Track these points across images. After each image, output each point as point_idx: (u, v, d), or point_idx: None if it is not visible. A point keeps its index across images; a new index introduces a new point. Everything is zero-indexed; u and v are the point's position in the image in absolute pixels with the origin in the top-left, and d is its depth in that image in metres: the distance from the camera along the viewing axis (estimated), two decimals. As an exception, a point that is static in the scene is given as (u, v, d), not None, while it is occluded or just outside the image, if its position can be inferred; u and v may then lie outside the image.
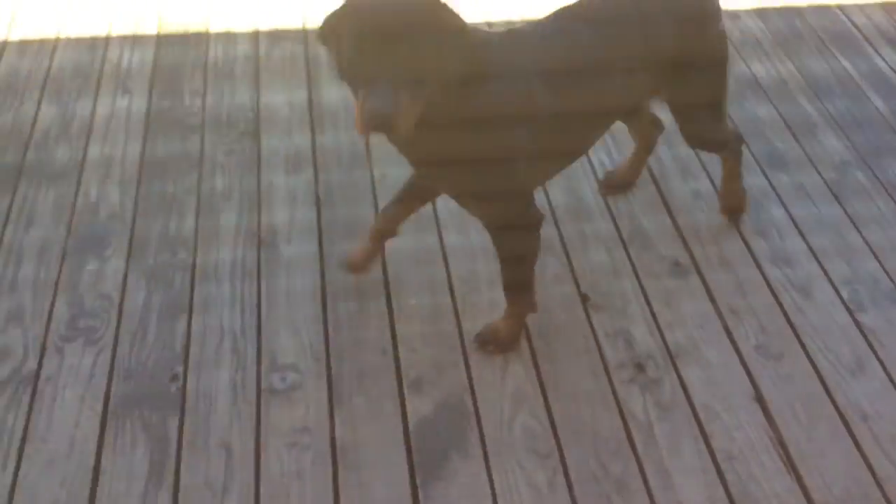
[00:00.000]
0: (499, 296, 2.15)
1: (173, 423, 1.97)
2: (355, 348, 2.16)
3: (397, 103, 1.62)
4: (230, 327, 2.19)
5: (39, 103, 2.85)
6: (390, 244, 2.30)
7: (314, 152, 2.73)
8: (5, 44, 3.10)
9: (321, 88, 2.96)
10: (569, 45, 1.98)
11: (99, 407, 1.99)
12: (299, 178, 2.63)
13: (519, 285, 2.15)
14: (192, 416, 1.99)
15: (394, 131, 1.66)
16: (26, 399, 2.00)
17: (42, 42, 3.11)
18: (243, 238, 2.42)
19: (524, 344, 2.18)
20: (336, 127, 2.80)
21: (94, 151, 2.68)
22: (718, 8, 2.23)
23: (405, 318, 2.23)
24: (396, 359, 2.14)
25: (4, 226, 2.42)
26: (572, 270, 2.39)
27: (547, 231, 2.46)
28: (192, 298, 2.26)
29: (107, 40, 3.15)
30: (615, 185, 2.64)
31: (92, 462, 1.89)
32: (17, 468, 1.87)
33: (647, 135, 2.57)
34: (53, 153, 2.67)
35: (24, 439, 1.93)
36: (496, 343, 2.15)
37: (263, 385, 2.06)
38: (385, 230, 2.26)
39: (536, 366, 2.13)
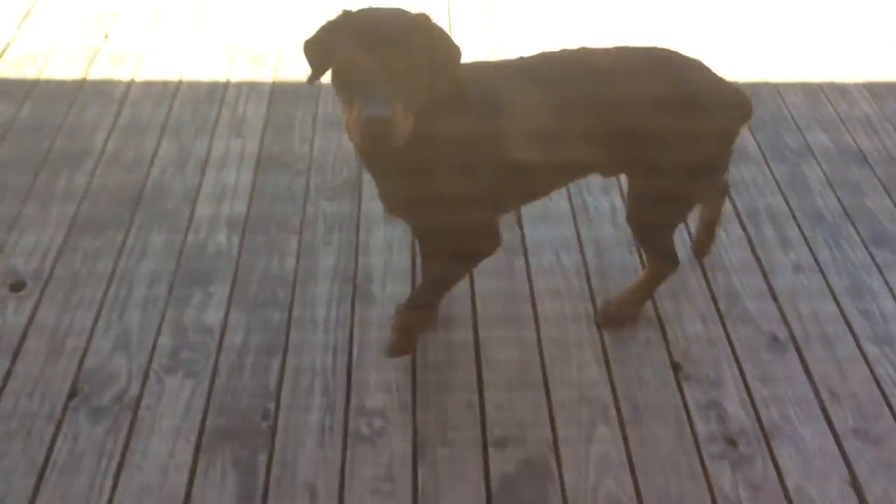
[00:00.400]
0: (587, 355, 2.14)
1: (262, 460, 2.02)
2: (442, 399, 2.18)
3: (394, 110, 1.66)
4: (322, 368, 2.24)
5: (159, 141, 3.00)
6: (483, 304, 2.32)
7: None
8: (131, 84, 3.29)
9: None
10: (539, 87, 1.93)
11: (193, 438, 2.06)
12: (396, 226, 2.69)
13: (433, 302, 2.25)
14: (281, 454, 2.04)
15: (390, 138, 1.68)
16: (126, 425, 2.09)
17: (165, 84, 3.29)
18: (339, 281, 2.49)
19: (612, 408, 2.16)
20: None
21: (206, 190, 2.81)
22: (720, 106, 2.02)
23: (493, 373, 2.24)
24: (482, 413, 2.14)
25: (118, 256, 2.55)
26: (665, 338, 2.36)
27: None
28: (287, 338, 2.32)
29: (225, 86, 3.31)
30: (698, 249, 2.61)
31: (183, 493, 1.95)
32: (113, 493, 1.95)
33: (713, 203, 2.53)
34: (169, 190, 2.80)
35: (120, 465, 2.01)
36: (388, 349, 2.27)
37: (350, 429, 2.10)
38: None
39: (624, 432, 2.11)
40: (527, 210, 2.74)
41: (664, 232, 2.26)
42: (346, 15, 1.78)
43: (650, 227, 2.23)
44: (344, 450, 2.05)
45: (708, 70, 2.06)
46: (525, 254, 2.61)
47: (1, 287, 2.43)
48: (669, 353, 2.32)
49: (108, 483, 1.97)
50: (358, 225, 2.69)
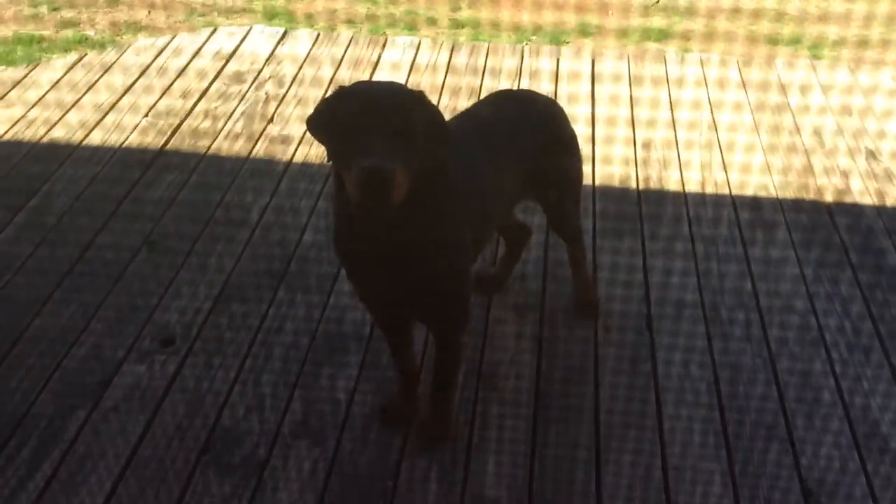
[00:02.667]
0: (716, 480, 2.06)
1: (376, 537, 2.05)
2: (558, 493, 2.16)
3: (393, 164, 1.70)
4: (440, 454, 2.26)
5: (307, 224, 3.17)
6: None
7: (543, 299, 2.82)
8: (289, 164, 3.51)
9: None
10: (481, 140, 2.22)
11: (313, 506, 2.12)
12: (525, 321, 2.72)
13: (454, 387, 2.31)
14: (395, 533, 2.06)
15: (388, 193, 1.71)
16: (251, 486, 2.17)
17: (320, 165, 3.49)
18: (466, 369, 2.52)
19: (735, 528, 2.08)
20: (565, 282, 2.87)
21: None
22: (562, 110, 2.55)
23: (612, 481, 2.21)
24: (599, 517, 2.11)
25: (261, 324, 2.69)
26: (797, 462, 2.27)
27: (774, 418, 2.39)
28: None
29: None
30: (486, 284, 2.80)
31: (298, 558, 2.00)
32: (233, 550, 2.02)
33: (517, 238, 2.80)
34: (312, 267, 2.94)
35: (243, 524, 2.08)
36: (440, 437, 2.28)
37: (465, 517, 2.10)
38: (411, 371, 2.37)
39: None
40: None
41: (577, 219, 2.69)
42: (343, 88, 1.88)
43: (571, 220, 2.65)
44: (456, 536, 2.05)
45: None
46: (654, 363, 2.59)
47: (153, 341, 2.61)
48: (801, 479, 2.22)
49: (229, 541, 2.04)
50: (487, 317, 2.74)
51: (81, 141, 3.63)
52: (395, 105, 1.79)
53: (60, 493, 2.14)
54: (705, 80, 4.27)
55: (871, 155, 3.67)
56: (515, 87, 4.12)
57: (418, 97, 1.87)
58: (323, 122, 1.87)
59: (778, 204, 3.34)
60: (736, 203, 3.34)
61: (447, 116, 2.02)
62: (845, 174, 3.54)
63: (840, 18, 5.54)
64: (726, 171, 3.53)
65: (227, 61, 4.34)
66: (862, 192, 3.42)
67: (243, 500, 2.13)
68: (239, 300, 2.78)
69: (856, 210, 3.32)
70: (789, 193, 3.41)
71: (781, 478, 2.22)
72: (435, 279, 2.00)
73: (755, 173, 3.54)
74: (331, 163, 1.88)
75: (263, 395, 2.43)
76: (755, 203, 3.35)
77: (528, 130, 2.36)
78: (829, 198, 3.40)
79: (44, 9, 5.45)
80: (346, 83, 1.95)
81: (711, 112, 3.98)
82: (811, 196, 3.41)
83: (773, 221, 3.24)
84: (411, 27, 5.26)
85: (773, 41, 5.24)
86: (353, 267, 2.10)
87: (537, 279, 2.90)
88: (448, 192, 1.96)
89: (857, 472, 2.25)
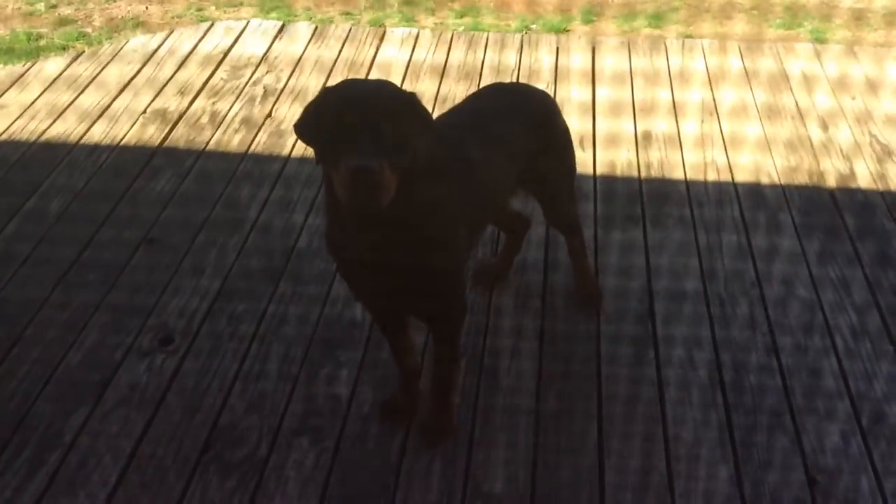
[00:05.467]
0: (720, 470, 2.05)
1: (378, 534, 2.04)
2: (561, 492, 2.14)
3: (381, 163, 1.68)
4: (441, 450, 2.24)
5: (307, 216, 3.15)
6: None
7: (544, 290, 2.81)
8: (287, 159, 3.49)
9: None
10: (478, 136, 2.19)
11: (314, 504, 2.11)
12: (527, 313, 2.70)
13: (454, 382, 2.29)
14: (396, 529, 2.05)
15: (377, 191, 1.69)
16: (252, 485, 2.16)
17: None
18: (467, 363, 2.50)
19: (739, 520, 2.06)
20: (566, 273, 2.85)
21: (346, 263, 2.92)
22: (555, 104, 2.55)
23: (615, 473, 2.19)
24: (602, 510, 2.10)
25: (261, 320, 2.68)
26: (801, 450, 2.25)
27: (778, 405, 2.37)
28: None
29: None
30: (487, 275, 2.79)
31: (299, 556, 1.99)
32: (234, 549, 2.01)
33: (516, 229, 2.77)
34: (312, 263, 2.93)
35: (244, 523, 2.07)
36: (441, 432, 2.26)
37: (467, 512, 2.09)
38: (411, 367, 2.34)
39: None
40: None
41: (574, 208, 2.70)
42: (328, 89, 1.86)
43: (567, 210, 2.63)
44: (459, 532, 2.04)
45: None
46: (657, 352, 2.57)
47: (152, 340, 2.60)
48: (805, 467, 2.20)
49: (230, 540, 2.03)
50: (489, 306, 2.73)
51: (79, 139, 3.61)
52: (380, 103, 1.77)
53: (61, 493, 2.13)
54: (706, 63, 4.23)
55: (875, 139, 3.63)
56: (512, 78, 4.10)
57: (405, 96, 1.85)
58: (309, 124, 1.85)
59: (781, 189, 3.31)
60: (738, 189, 3.31)
61: (444, 108, 2.00)
62: (849, 158, 3.51)
63: None
64: (728, 156, 3.50)
65: (225, 56, 4.31)
66: (866, 177, 3.39)
67: (245, 498, 2.12)
68: (238, 297, 2.77)
69: (860, 194, 3.29)
70: (793, 179, 3.38)
71: (785, 466, 2.21)
72: (428, 277, 1.99)
73: (757, 157, 3.50)
74: (320, 165, 1.86)
75: (263, 392, 2.42)
76: (757, 189, 3.32)
77: (520, 124, 2.34)
78: (832, 182, 3.37)
79: (41, 6, 5.43)
80: (344, 77, 1.93)
81: (713, 96, 3.95)
82: (815, 181, 3.38)
83: (776, 207, 3.21)
84: (409, 18, 5.22)
85: (779, 25, 5.20)
86: (347, 267, 2.08)
87: (538, 270, 2.88)
88: (440, 189, 1.94)
89: (862, 458, 2.23)
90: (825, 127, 3.72)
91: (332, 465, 2.21)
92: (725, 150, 3.55)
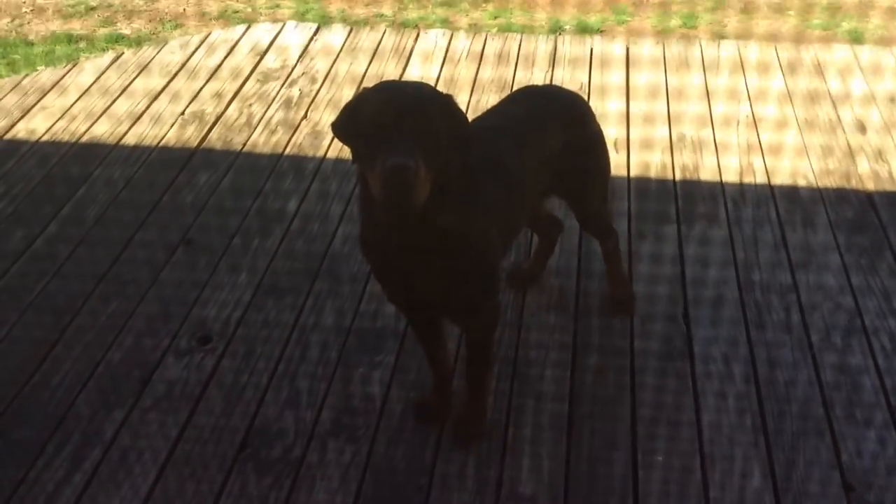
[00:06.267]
0: (755, 478, 2.03)
1: (412, 533, 2.06)
2: (594, 492, 2.15)
3: (416, 162, 1.69)
4: (474, 451, 2.26)
5: (340, 220, 3.18)
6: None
7: (577, 294, 2.81)
8: (322, 160, 3.52)
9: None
10: (512, 139, 2.21)
11: (350, 502, 2.13)
12: (560, 316, 2.71)
13: (487, 384, 2.31)
14: (430, 530, 2.07)
15: (412, 189, 1.70)
16: (288, 483, 2.19)
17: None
18: (500, 365, 2.51)
19: (775, 525, 2.05)
20: (599, 276, 2.84)
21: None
22: (588, 106, 2.56)
23: (648, 473, 2.19)
24: (635, 514, 2.10)
25: (297, 319, 2.71)
26: (838, 456, 2.23)
27: (814, 412, 2.35)
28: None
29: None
30: (520, 278, 2.81)
31: (334, 555, 2.01)
32: (270, 546, 2.04)
33: (549, 232, 2.79)
34: (347, 263, 2.95)
35: (279, 520, 2.10)
36: (474, 434, 2.28)
37: (500, 513, 2.10)
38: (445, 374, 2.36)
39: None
40: (695, 309, 2.70)
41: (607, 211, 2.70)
42: (366, 89, 1.87)
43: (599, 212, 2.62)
44: (492, 533, 2.05)
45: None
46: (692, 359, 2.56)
47: (190, 339, 2.64)
48: (842, 474, 2.18)
49: (267, 537, 2.06)
50: (522, 308, 2.73)
51: (119, 140, 3.67)
52: (418, 104, 1.78)
53: (101, 489, 2.18)
54: (742, 65, 4.20)
55: (915, 140, 3.59)
56: (545, 80, 4.10)
57: (442, 98, 1.86)
58: (347, 123, 1.88)
59: (818, 192, 3.28)
60: (775, 192, 3.28)
61: (478, 113, 2.01)
62: (887, 161, 3.46)
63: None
64: (764, 159, 3.48)
65: (262, 58, 4.36)
66: (905, 179, 3.35)
67: (280, 496, 2.15)
68: (274, 297, 2.80)
69: (898, 198, 3.25)
70: (830, 182, 3.35)
71: (822, 472, 2.19)
72: (462, 279, 2.00)
73: (794, 160, 3.47)
74: (356, 165, 1.88)
75: (299, 392, 2.45)
76: (794, 191, 3.29)
77: (553, 126, 2.35)
78: (870, 186, 3.33)
79: (81, 7, 5.53)
80: (379, 79, 1.95)
81: (749, 99, 3.92)
82: (852, 184, 3.34)
83: (812, 210, 3.19)
84: (444, 20, 5.24)
85: (818, 26, 5.14)
86: (381, 268, 2.10)
87: (571, 274, 2.89)
88: (474, 191, 1.95)
89: (901, 467, 2.21)
90: (863, 129, 3.68)
91: (367, 464, 2.23)
92: (762, 152, 3.52)
